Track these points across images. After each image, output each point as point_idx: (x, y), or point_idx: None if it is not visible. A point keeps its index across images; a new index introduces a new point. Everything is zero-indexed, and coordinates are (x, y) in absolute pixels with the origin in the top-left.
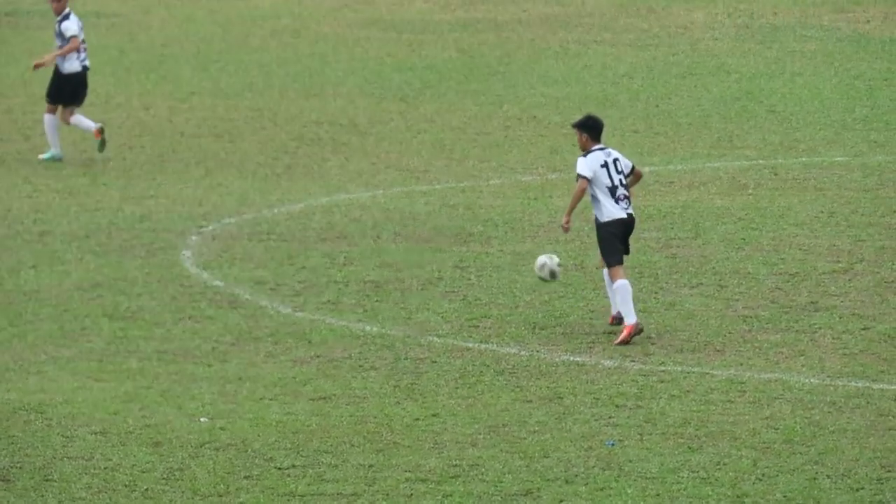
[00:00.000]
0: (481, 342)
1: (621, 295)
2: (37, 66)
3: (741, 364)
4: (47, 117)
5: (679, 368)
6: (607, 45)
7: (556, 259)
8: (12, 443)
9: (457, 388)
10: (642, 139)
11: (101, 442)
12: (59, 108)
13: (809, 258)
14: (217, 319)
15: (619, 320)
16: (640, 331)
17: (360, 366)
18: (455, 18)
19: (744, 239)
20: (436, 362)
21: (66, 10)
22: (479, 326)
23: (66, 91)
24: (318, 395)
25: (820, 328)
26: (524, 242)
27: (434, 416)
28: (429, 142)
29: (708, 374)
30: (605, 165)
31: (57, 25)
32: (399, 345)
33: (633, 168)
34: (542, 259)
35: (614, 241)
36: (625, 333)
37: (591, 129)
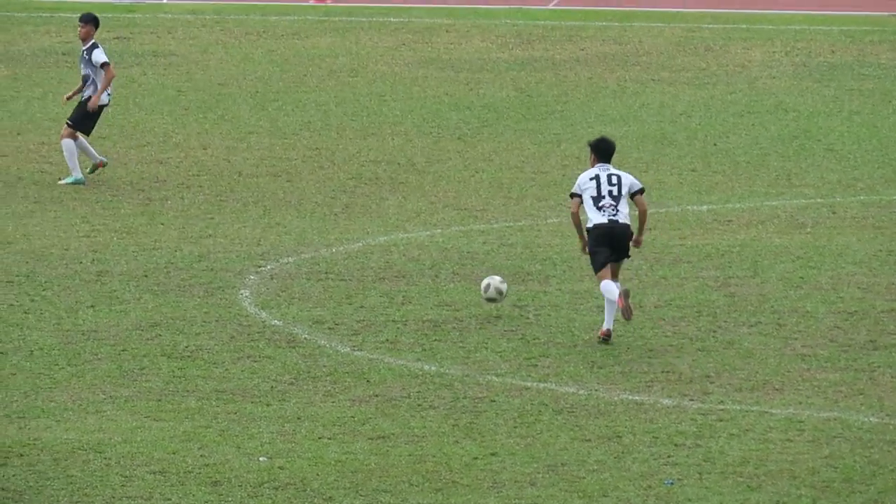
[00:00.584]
0: (540, 381)
1: (605, 292)
2: (91, 108)
3: (800, 403)
4: (67, 142)
5: (738, 407)
6: (665, 83)
7: (498, 278)
8: (71, 482)
9: (515, 427)
10: (700, 178)
11: (159, 482)
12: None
13: (868, 297)
14: (275, 359)
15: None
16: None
17: (419, 405)
18: (513, 57)
19: (802, 277)
20: (494, 401)
21: (93, 39)
22: (537, 365)
23: (92, 121)
24: (377, 435)
25: (879, 367)
26: (582, 281)
27: (493, 455)
28: (487, 181)
29: (767, 412)
30: (596, 178)
31: (85, 53)
32: (458, 384)
33: (641, 190)
34: (485, 281)
35: (599, 250)
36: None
37: (598, 150)
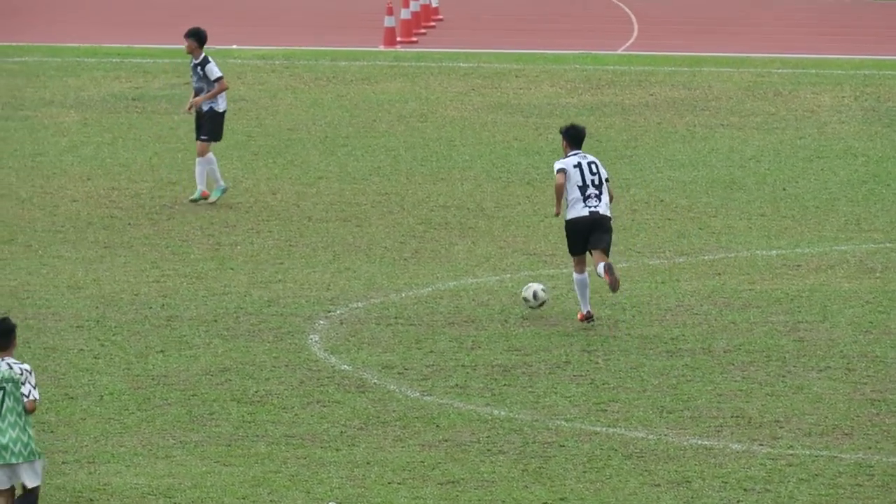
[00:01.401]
0: (609, 426)
1: (578, 288)
2: (191, 108)
3: (869, 448)
4: (205, 158)
5: (807, 452)
6: (734, 128)
7: (541, 285)
8: None
9: (585, 472)
10: (769, 222)
11: None
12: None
13: None
14: (345, 404)
15: (587, 318)
16: (590, 318)
17: (489, 450)
18: (582, 102)
19: (871, 322)
20: (564, 446)
21: (203, 54)
22: (606, 410)
23: (220, 127)
24: (447, 480)
25: None
26: (651, 326)
27: (562, 500)
28: (556, 226)
29: (836, 457)
30: (579, 166)
31: (198, 69)
32: (527, 429)
33: (607, 178)
34: (530, 285)
35: (577, 238)
36: (579, 317)
37: (570, 137)
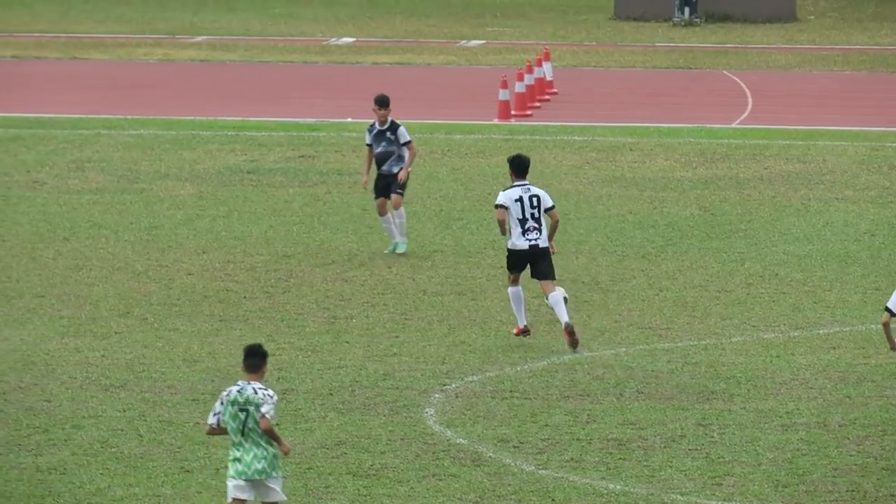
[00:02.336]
0: (724, 500)
1: (513, 302)
2: (401, 179)
3: None
4: (397, 212)
5: None
6: (849, 202)
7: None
8: None
9: None
10: (884, 296)
11: None
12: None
13: None
14: (461, 477)
15: (570, 332)
16: (526, 332)
17: None
18: (696, 176)
19: None
20: None
21: (390, 119)
22: (722, 484)
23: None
24: None
25: None
26: (767, 400)
27: None
28: (671, 299)
29: None
30: (520, 199)
31: (387, 134)
32: (642, 503)
33: (552, 206)
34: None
35: (517, 263)
36: (515, 331)
37: (514, 166)
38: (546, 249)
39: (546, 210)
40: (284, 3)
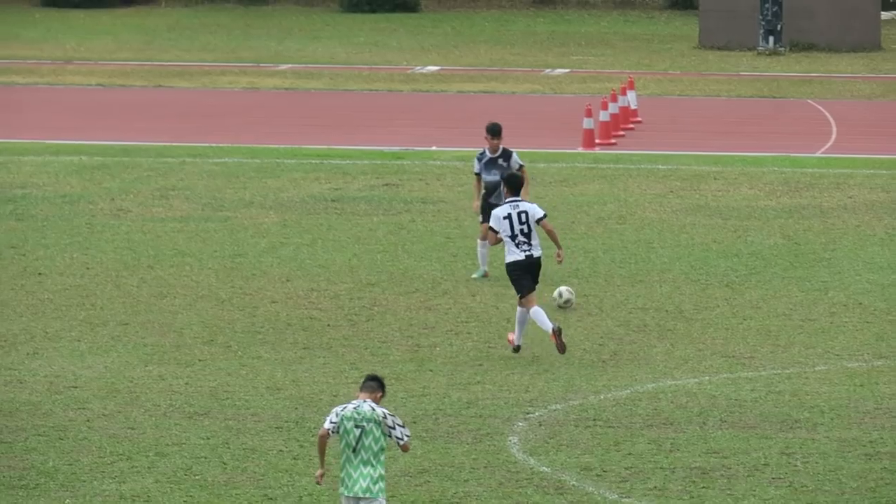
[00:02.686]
0: None
1: (519, 318)
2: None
3: None
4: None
5: None
6: None
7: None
8: None
9: None
10: None
11: None
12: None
13: None
14: None
15: (558, 334)
16: (517, 350)
17: None
18: (780, 205)
19: None
20: None
21: (501, 146)
22: None
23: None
24: None
25: None
26: (850, 429)
27: None
28: (754, 328)
29: None
30: (509, 217)
31: (499, 161)
32: None
33: (543, 216)
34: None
35: (519, 278)
36: (509, 339)
37: (507, 184)
38: (539, 260)
39: (538, 221)
40: (369, 32)
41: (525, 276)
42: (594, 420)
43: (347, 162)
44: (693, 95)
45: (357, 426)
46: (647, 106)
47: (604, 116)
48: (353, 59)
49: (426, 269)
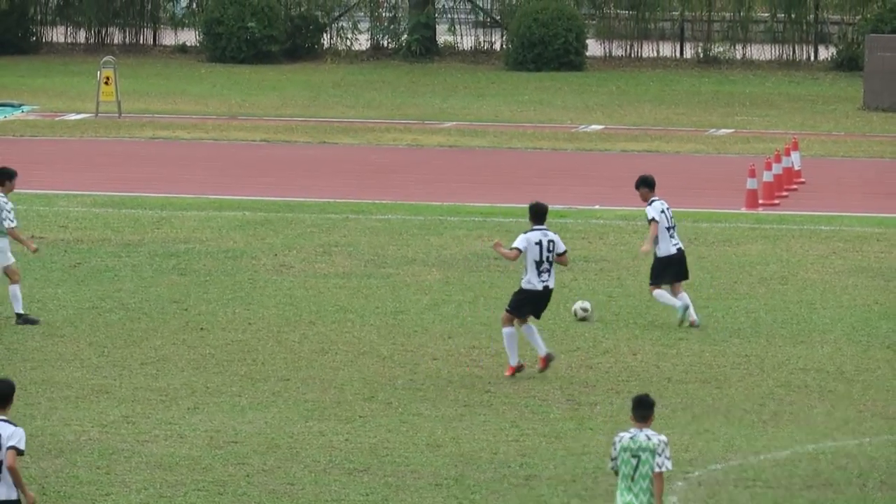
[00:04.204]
0: None
1: (507, 339)
2: (642, 252)
3: None
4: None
5: None
6: None
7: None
8: None
9: None
10: None
11: None
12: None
13: None
14: None
15: (549, 360)
16: (521, 368)
17: None
18: None
19: None
20: None
21: (653, 197)
22: None
23: (656, 271)
24: None
25: None
26: None
27: None
28: None
29: None
30: (539, 243)
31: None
32: None
33: (564, 251)
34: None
35: (524, 304)
36: (508, 372)
37: (533, 213)
38: (552, 292)
39: (559, 254)
40: (534, 90)
41: (531, 306)
42: (754, 480)
43: (510, 220)
44: (857, 157)
45: (634, 456)
46: (810, 167)
47: (767, 177)
48: (518, 116)
49: (587, 328)
